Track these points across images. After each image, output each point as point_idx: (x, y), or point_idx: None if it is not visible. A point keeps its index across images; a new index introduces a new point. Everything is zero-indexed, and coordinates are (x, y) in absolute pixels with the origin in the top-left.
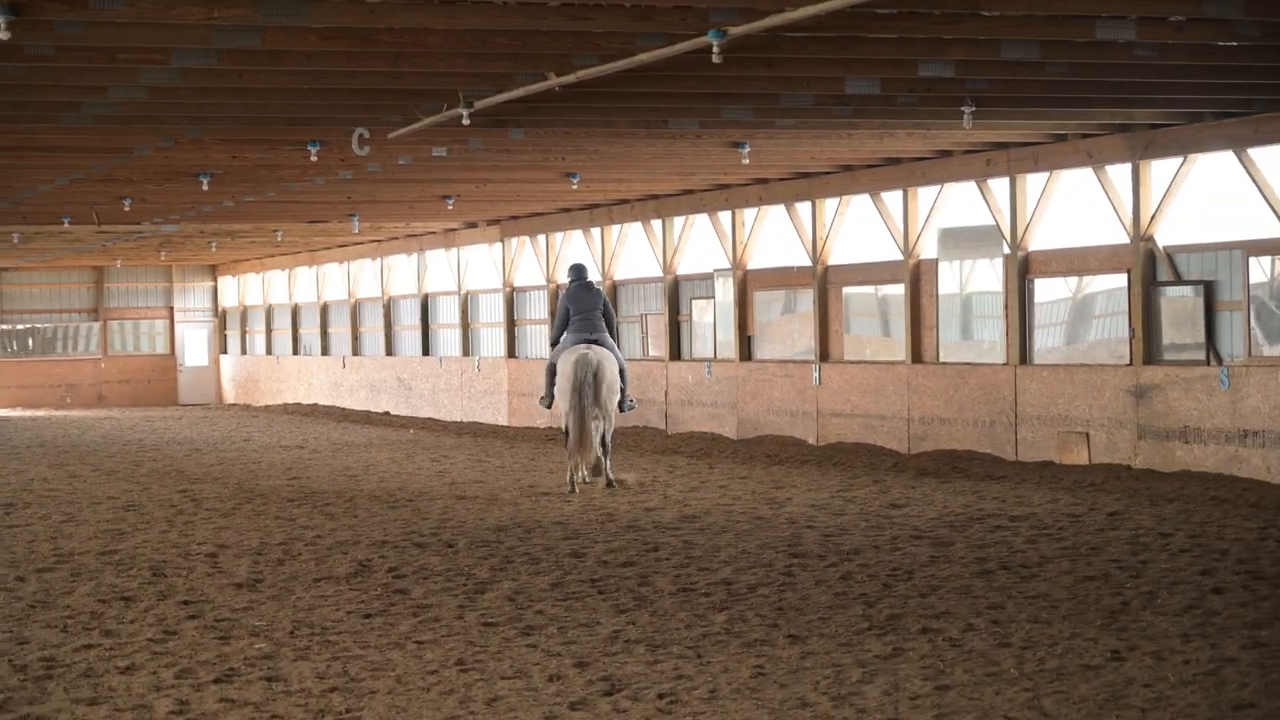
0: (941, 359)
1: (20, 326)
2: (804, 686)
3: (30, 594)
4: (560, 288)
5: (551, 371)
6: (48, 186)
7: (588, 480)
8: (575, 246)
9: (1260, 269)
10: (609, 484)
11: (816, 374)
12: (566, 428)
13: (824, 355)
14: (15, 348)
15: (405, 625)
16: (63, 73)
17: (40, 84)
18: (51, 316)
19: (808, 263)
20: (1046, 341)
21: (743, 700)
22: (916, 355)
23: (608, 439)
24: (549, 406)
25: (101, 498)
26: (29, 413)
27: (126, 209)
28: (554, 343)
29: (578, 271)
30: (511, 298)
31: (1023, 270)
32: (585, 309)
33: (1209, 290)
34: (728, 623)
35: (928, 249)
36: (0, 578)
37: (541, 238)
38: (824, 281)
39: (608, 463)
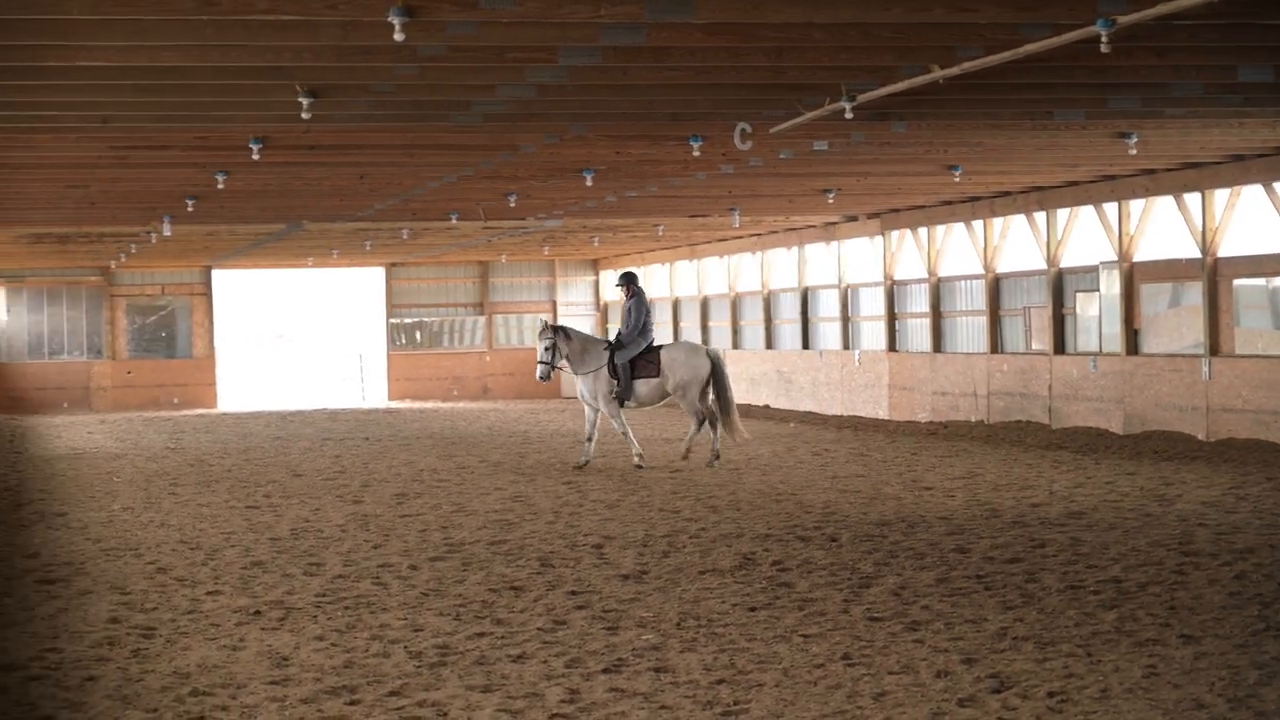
0: None
1: (409, 320)
2: (1199, 688)
3: (424, 582)
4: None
5: (630, 367)
6: (436, 184)
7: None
8: (957, 239)
9: None
10: (718, 456)
11: (1206, 368)
12: (698, 411)
13: (1213, 349)
14: (404, 341)
15: (790, 619)
16: (453, 72)
17: (432, 84)
18: (438, 310)
19: (1196, 254)
20: None
21: (1135, 700)
22: None
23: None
24: (623, 399)
25: (489, 489)
26: (417, 404)
27: (512, 205)
28: (625, 342)
29: (635, 278)
30: (892, 291)
31: None
32: (649, 314)
33: None
34: (1118, 621)
35: None
36: (394, 566)
37: (923, 231)
38: (1213, 274)
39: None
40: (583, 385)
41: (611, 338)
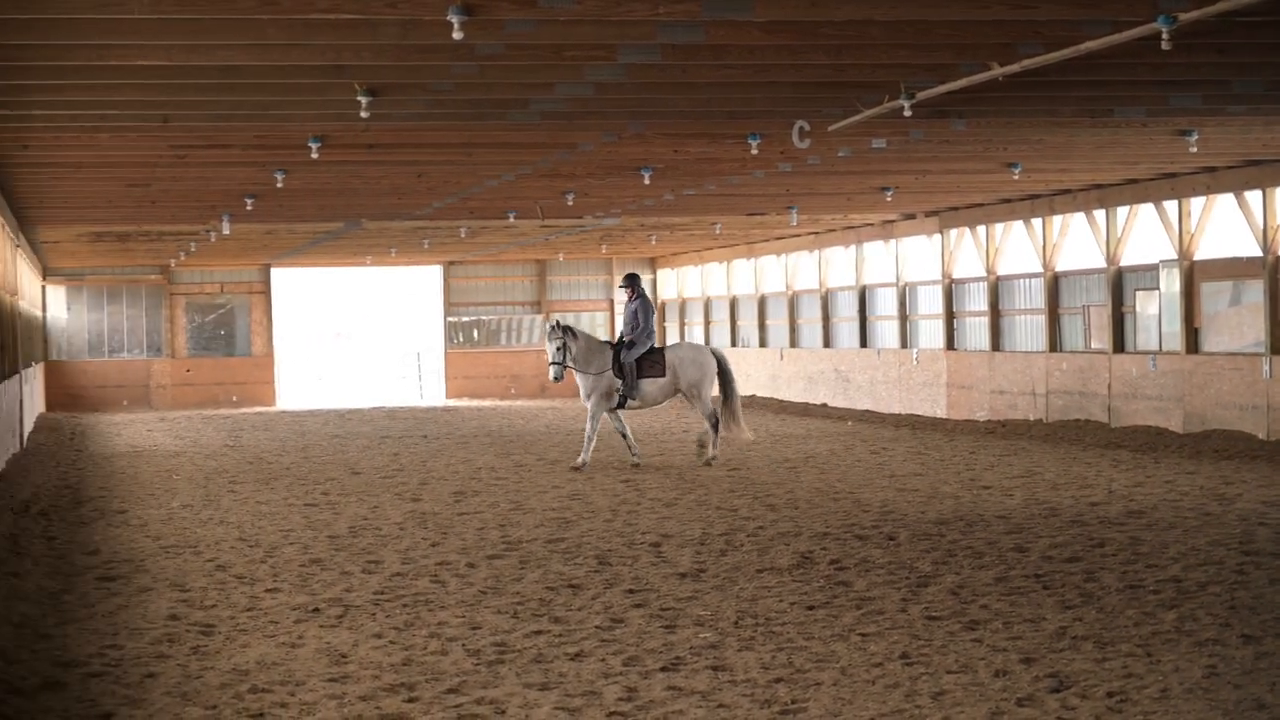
0: None
1: (466, 319)
2: (1259, 688)
3: (481, 580)
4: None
5: (636, 368)
6: (494, 182)
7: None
8: (1016, 237)
9: None
10: (714, 457)
11: (1267, 367)
12: (713, 413)
13: (1275, 347)
14: (461, 339)
15: (848, 617)
16: (512, 70)
17: (490, 82)
18: (496, 309)
19: (1258, 252)
20: None
21: (1195, 700)
22: None
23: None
24: (634, 399)
25: (547, 487)
26: (475, 403)
27: (569, 203)
28: (637, 341)
29: (639, 280)
30: (950, 289)
31: None
32: (652, 315)
33: None
34: (1178, 621)
35: None
36: (453, 564)
37: (981, 229)
38: (1275, 271)
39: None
40: (580, 384)
41: (614, 339)
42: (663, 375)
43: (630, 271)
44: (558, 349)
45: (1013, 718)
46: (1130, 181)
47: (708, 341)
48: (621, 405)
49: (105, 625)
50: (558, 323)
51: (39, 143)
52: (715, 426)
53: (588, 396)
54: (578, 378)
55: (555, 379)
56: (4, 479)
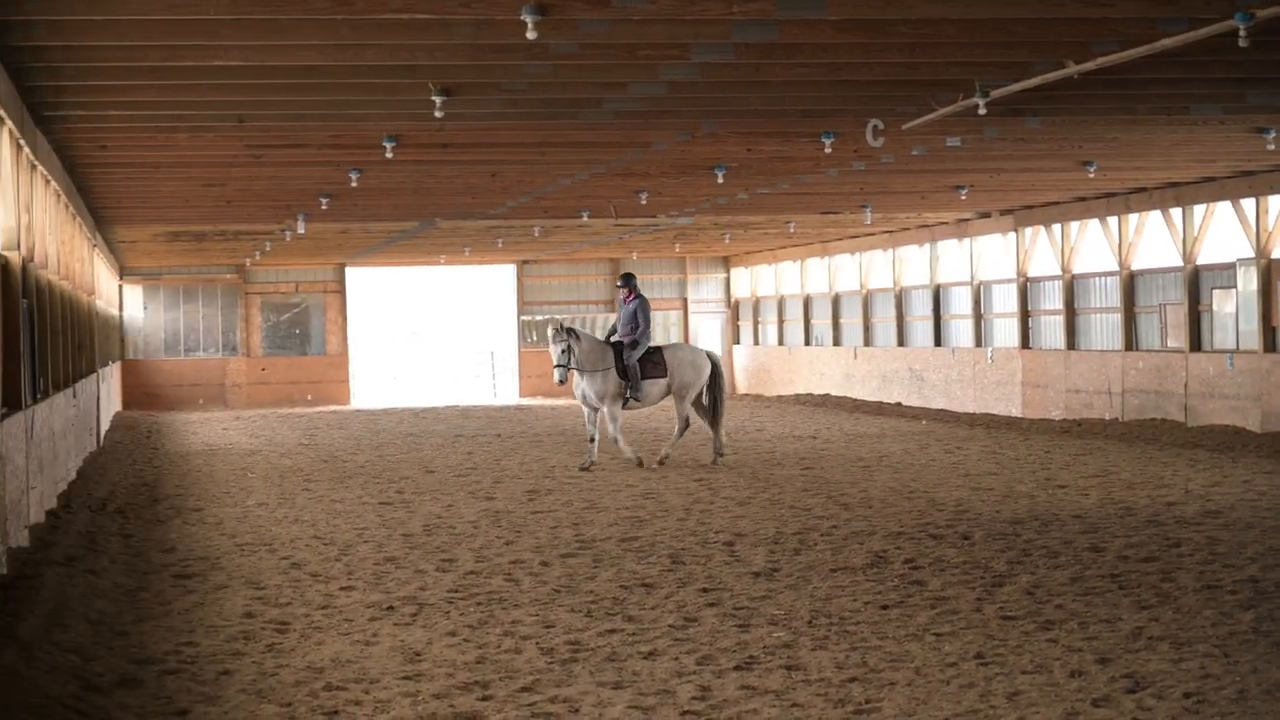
0: None
1: (540, 317)
2: None
3: (555, 579)
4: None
5: (640, 370)
6: (568, 181)
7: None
8: (1091, 236)
9: None
10: (721, 454)
11: None
12: (689, 418)
13: None
14: (535, 338)
15: (923, 617)
16: (585, 70)
17: (564, 81)
18: (569, 308)
19: None
20: None
21: (1274, 702)
22: None
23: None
24: (638, 400)
25: (620, 485)
26: (548, 401)
27: (643, 202)
28: (640, 342)
29: (635, 279)
30: (1025, 288)
31: None
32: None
33: None
34: (1255, 621)
35: None
36: (526, 563)
37: (1056, 227)
38: None
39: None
40: (588, 386)
41: (614, 338)
42: (664, 376)
43: (626, 272)
44: (562, 351)
45: (1088, 718)
46: (1207, 179)
47: (781, 341)
48: (623, 405)
49: (181, 623)
50: (561, 325)
51: (116, 143)
52: (683, 432)
53: (600, 398)
54: (584, 379)
55: (559, 381)
56: (82, 477)
